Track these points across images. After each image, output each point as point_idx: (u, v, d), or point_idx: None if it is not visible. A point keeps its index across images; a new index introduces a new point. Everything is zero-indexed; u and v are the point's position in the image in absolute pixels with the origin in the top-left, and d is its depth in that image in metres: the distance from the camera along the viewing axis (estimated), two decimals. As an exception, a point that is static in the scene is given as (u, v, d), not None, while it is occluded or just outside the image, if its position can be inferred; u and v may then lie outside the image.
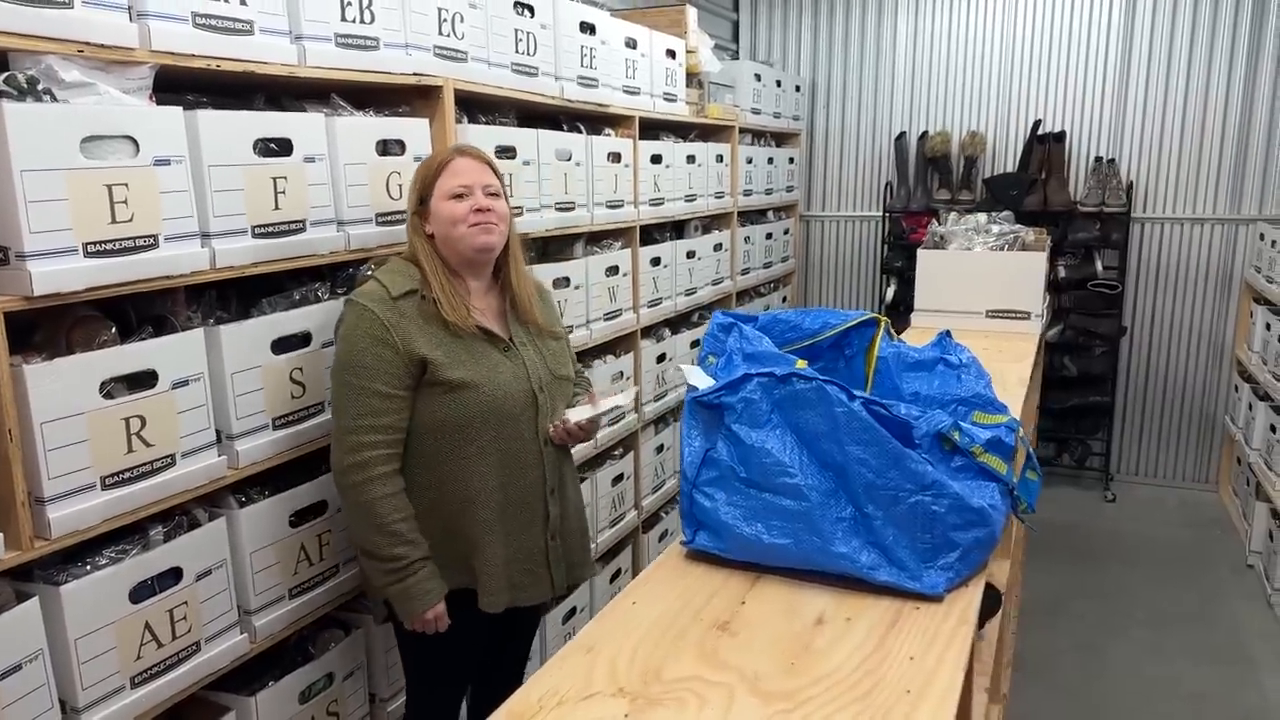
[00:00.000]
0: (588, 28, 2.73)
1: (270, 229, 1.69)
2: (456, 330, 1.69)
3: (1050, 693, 2.97)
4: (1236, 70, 4.31)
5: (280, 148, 1.71)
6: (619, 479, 3.11)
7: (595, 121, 2.97)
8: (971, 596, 1.14)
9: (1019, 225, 3.33)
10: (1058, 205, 4.46)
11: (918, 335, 3.06)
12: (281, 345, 1.74)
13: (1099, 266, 4.50)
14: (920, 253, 3.21)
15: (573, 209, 2.71)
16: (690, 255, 3.61)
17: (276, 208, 1.70)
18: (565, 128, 2.83)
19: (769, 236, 4.59)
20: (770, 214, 4.75)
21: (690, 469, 1.27)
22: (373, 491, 1.65)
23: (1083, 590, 3.67)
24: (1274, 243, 3.90)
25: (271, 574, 1.76)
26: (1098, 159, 4.54)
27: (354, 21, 1.85)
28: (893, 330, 1.65)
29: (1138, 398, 4.75)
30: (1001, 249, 3.16)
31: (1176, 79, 4.42)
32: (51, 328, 1.45)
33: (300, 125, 1.75)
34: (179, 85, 1.68)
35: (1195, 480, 4.71)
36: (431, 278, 1.70)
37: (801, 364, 1.29)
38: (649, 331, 3.34)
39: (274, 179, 1.69)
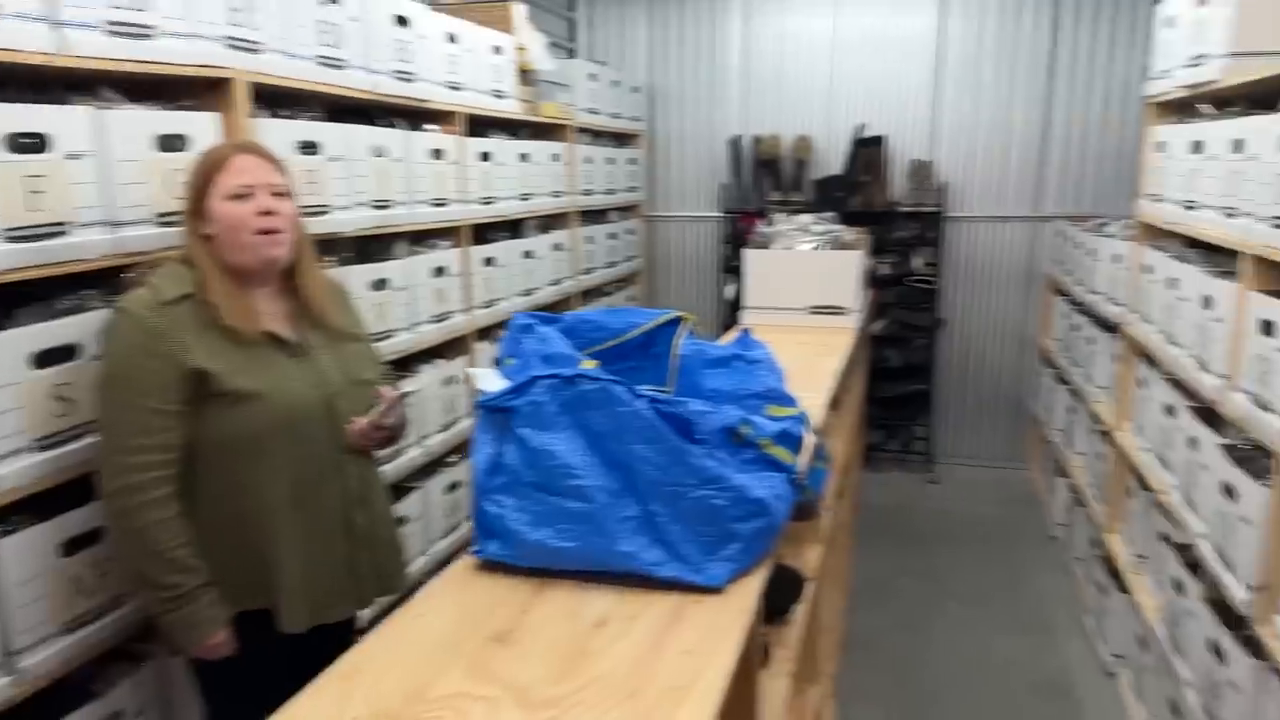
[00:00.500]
0: (402, 20, 2.65)
1: (26, 232, 1.54)
2: (239, 337, 1.59)
3: (876, 669, 3.11)
4: (1036, 78, 4.65)
5: (36, 143, 1.56)
6: (454, 487, 3.04)
7: (417, 117, 2.89)
8: (752, 586, 1.16)
9: (839, 225, 3.48)
10: (879, 205, 4.69)
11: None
12: (45, 359, 1.59)
13: (917, 263, 4.76)
14: (747, 252, 3.30)
15: (391, 207, 2.63)
16: (528, 255, 3.58)
17: (32, 209, 1.55)
18: (382, 124, 2.74)
19: (612, 236, 4.61)
20: (613, 214, 4.77)
21: (480, 476, 1.24)
22: (146, 517, 1.53)
23: (908, 569, 3.87)
24: (1069, 238, 4.23)
25: (40, 608, 1.60)
26: (915, 161, 4.79)
27: (127, 8, 1.71)
28: (695, 329, 1.67)
29: (955, 385, 5.05)
30: (821, 248, 3.28)
31: (984, 86, 4.72)
32: None
33: (60, 119, 1.60)
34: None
35: (1009, 460, 5.06)
36: (210, 281, 1.59)
37: (590, 364, 1.28)
38: (485, 333, 3.28)
39: (28, 177, 1.54)
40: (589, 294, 4.35)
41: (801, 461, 1.40)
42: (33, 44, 1.55)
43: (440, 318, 2.92)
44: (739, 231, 4.94)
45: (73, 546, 1.66)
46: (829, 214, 3.70)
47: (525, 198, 3.54)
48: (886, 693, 2.98)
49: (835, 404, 3.17)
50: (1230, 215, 2.14)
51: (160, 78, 1.83)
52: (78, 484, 1.67)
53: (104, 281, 1.78)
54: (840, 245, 3.32)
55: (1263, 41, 2.17)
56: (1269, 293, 1.91)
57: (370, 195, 2.52)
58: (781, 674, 1.55)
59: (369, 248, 2.75)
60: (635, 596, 1.13)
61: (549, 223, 3.92)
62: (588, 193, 4.23)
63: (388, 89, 2.59)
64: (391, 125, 2.74)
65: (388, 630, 1.07)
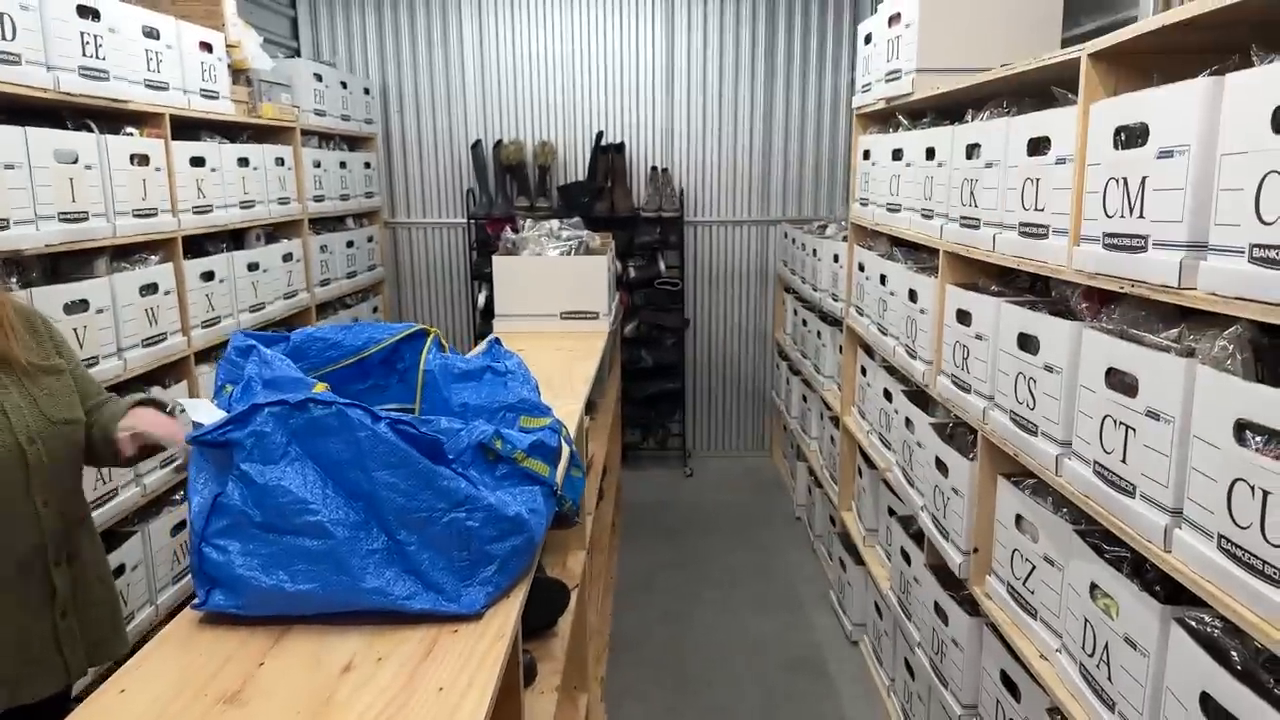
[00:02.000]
0: (89, 13, 2.35)
1: None
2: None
3: (642, 665, 3.17)
4: (757, 91, 4.97)
5: None
6: (180, 527, 2.75)
7: (114, 119, 2.57)
8: (511, 608, 1.12)
9: (586, 231, 3.52)
10: (623, 211, 4.81)
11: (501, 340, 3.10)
12: None
13: (662, 266, 4.94)
14: (495, 259, 3.25)
15: (86, 219, 2.32)
16: (253, 268, 3.31)
17: None
18: (72, 126, 2.41)
19: (350, 245, 4.38)
20: (350, 221, 4.54)
21: (198, 520, 1.11)
22: None
23: (668, 563, 3.99)
24: (794, 240, 4.56)
25: None
26: (654, 168, 4.97)
27: None
28: (444, 342, 1.60)
29: (704, 381, 5.30)
30: (569, 253, 3.31)
31: (711, 97, 4.98)
32: None
33: None
34: None
35: (755, 449, 5.38)
36: None
37: (321, 387, 1.18)
38: (205, 355, 2.99)
39: None
40: (327, 306, 4.12)
41: (558, 472, 1.39)
42: None
43: (152, 340, 2.63)
44: (487, 238, 4.88)
45: None
46: (575, 219, 3.74)
47: (247, 205, 3.27)
48: (653, 688, 3.05)
49: (592, 407, 3.21)
50: (927, 216, 2.39)
51: None
52: None
53: None
54: (588, 250, 3.36)
55: (944, 59, 2.45)
56: (963, 285, 2.15)
57: (59, 207, 2.21)
58: (549, 689, 1.53)
59: (59, 265, 2.42)
60: (385, 635, 1.06)
61: (277, 232, 3.66)
62: (319, 199, 3.99)
63: (73, 87, 2.28)
64: (88, 128, 2.42)
65: (93, 707, 0.92)
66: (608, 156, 4.88)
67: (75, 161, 2.29)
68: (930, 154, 2.36)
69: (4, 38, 2.05)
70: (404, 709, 0.91)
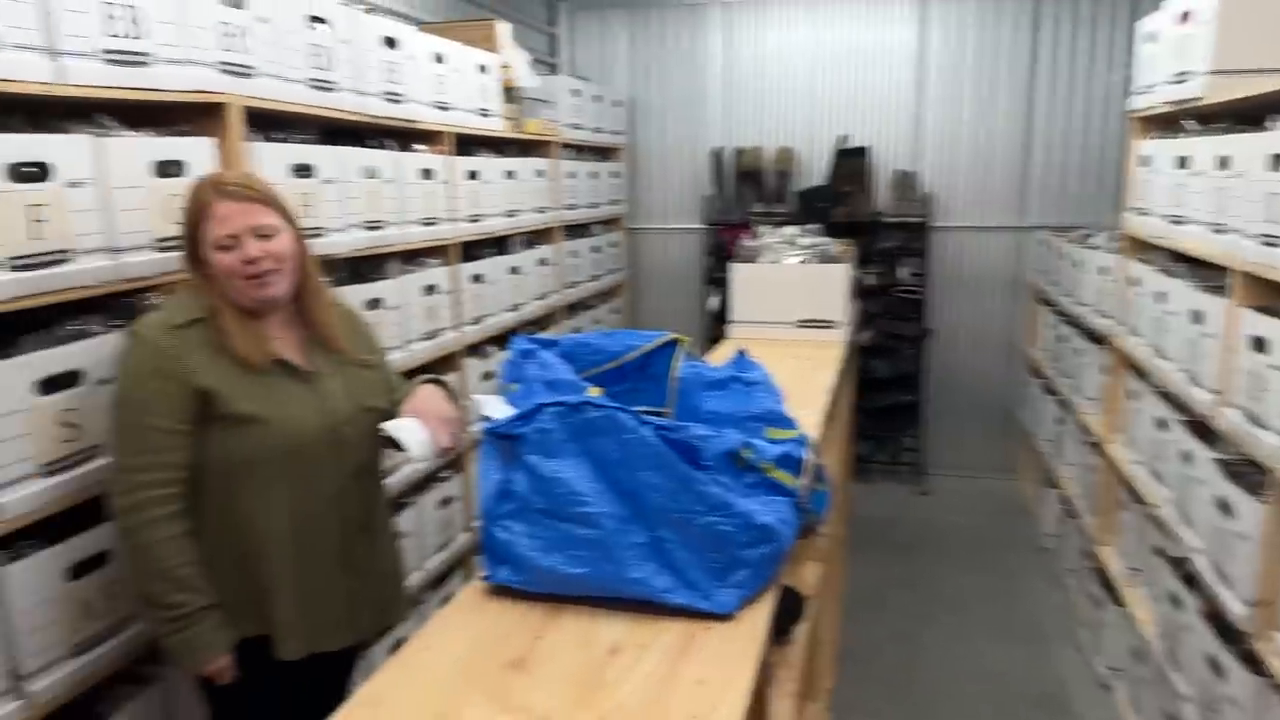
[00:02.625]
0: (391, 42, 2.66)
1: (29, 261, 1.54)
2: (249, 363, 1.59)
3: (871, 681, 3.13)
4: (1017, 90, 4.71)
5: (38, 172, 1.56)
6: (447, 502, 3.04)
7: (406, 137, 2.90)
8: (762, 611, 1.17)
9: (825, 238, 3.50)
10: (863, 216, 4.74)
11: (733, 347, 3.16)
12: (50, 386, 1.58)
13: (903, 274, 4.80)
14: (733, 266, 3.32)
15: (383, 228, 2.63)
16: (514, 271, 3.59)
17: (35, 237, 1.55)
18: (372, 144, 2.74)
19: (595, 250, 4.63)
20: (596, 227, 4.79)
21: (489, 502, 1.25)
22: (151, 534, 1.53)
23: (900, 581, 3.89)
24: (1054, 249, 4.29)
25: (49, 633, 1.59)
26: (898, 172, 4.84)
27: (123, 36, 1.72)
28: (693, 350, 1.68)
29: (944, 395, 5.09)
30: (809, 261, 3.31)
31: (966, 97, 4.78)
32: None
33: (61, 148, 1.60)
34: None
35: (998, 471, 5.10)
36: (222, 311, 1.60)
37: (595, 391, 1.29)
38: (474, 349, 3.28)
39: (30, 206, 1.54)
40: (573, 308, 4.37)
41: (803, 484, 1.42)
42: (32, 74, 1.55)
43: (431, 335, 2.92)
44: (721, 243, 4.98)
45: (81, 570, 1.65)
46: (813, 226, 3.73)
47: (511, 214, 3.55)
48: (882, 706, 3.00)
49: (827, 417, 3.20)
50: (1218, 231, 2.18)
51: (158, 104, 1.84)
52: (87, 507, 1.67)
53: (105, 307, 1.78)
54: (828, 258, 3.35)
55: (1243, 59, 2.22)
56: (1258, 309, 1.94)
57: (362, 216, 2.53)
58: (786, 694, 1.57)
59: (361, 268, 2.76)
60: (646, 624, 1.14)
61: (534, 238, 3.94)
62: (571, 207, 4.25)
63: (377, 110, 2.60)
64: (382, 146, 2.75)
65: (405, 657, 1.07)
66: (850, 161, 4.82)
67: (376, 177, 2.60)
68: (1224, 163, 2.15)
69: (324, 68, 2.37)
70: (667, 695, 0.98)
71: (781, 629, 1.77)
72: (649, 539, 1.19)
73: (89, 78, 1.65)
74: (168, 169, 1.84)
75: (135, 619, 1.77)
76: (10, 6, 1.50)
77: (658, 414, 1.63)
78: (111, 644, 1.72)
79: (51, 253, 1.58)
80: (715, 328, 4.76)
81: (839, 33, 4.88)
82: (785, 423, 1.50)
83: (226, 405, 1.56)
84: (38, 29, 1.56)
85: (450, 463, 3.08)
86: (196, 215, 1.60)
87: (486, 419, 1.30)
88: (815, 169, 5.00)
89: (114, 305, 1.81)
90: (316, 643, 1.70)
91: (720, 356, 2.88)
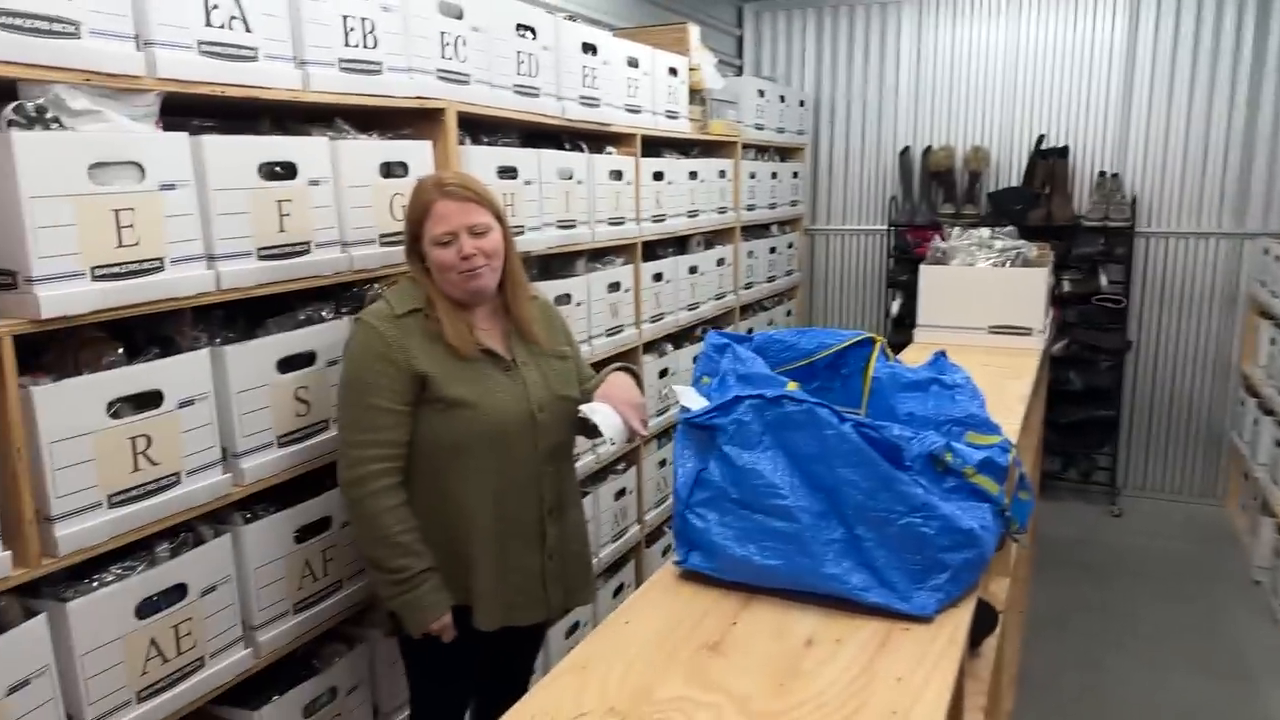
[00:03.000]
0: (589, 48, 2.77)
1: (275, 251, 1.72)
2: (458, 352, 1.71)
3: (1052, 708, 2.97)
4: (1240, 84, 4.32)
5: (285, 171, 1.74)
6: (621, 494, 3.13)
7: (597, 140, 3.00)
8: (961, 617, 1.15)
9: (1022, 241, 3.35)
10: (1061, 220, 4.48)
11: (920, 350, 3.08)
12: (287, 365, 1.77)
13: (1103, 281, 4.51)
14: (923, 268, 3.23)
15: (574, 226, 2.74)
16: (693, 270, 3.64)
17: (281, 230, 1.73)
18: (567, 146, 2.86)
19: (773, 251, 4.61)
20: (774, 228, 4.77)
21: (683, 489, 1.29)
22: (375, 504, 1.68)
23: (1086, 605, 3.66)
24: (1278, 257, 3.90)
25: (276, 589, 1.78)
26: (1101, 173, 4.55)
27: (357, 47, 1.88)
28: (889, 350, 1.66)
29: (1144, 412, 4.74)
30: (1004, 265, 3.18)
31: (1180, 93, 4.43)
32: (60, 349, 1.48)
33: (304, 149, 1.78)
34: (187, 109, 1.71)
35: (1202, 495, 4.70)
36: (437, 302, 1.73)
37: (793, 386, 1.31)
38: (651, 346, 3.36)
39: (279, 202, 1.72)
40: (747, 308, 4.37)
41: (1006, 492, 1.38)
42: (283, 82, 1.72)
43: (613, 331, 3.02)
44: (906, 246, 4.84)
45: (305, 533, 1.83)
46: (1009, 228, 3.57)
47: (693, 214, 3.60)
48: (1066, 733, 2.85)
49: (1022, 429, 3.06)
50: None
51: (386, 109, 2.00)
52: (314, 476, 1.85)
53: (333, 295, 1.96)
54: (1025, 262, 3.20)
55: None
56: None
57: (557, 216, 2.64)
58: (975, 708, 1.52)
59: (550, 264, 2.88)
60: (840, 619, 1.15)
61: (713, 238, 3.97)
62: (750, 208, 4.25)
63: (575, 114, 2.71)
64: (576, 147, 2.86)
65: (608, 629, 1.13)
66: (1048, 161, 4.57)
67: (571, 178, 2.71)
68: None
69: (530, 75, 2.49)
70: (865, 690, 0.99)
71: (973, 640, 1.73)
72: (845, 536, 1.19)
73: (328, 85, 1.82)
74: (392, 169, 2.00)
75: (345, 583, 1.94)
76: (267, 21, 1.68)
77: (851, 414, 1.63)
78: (327, 604, 1.90)
79: (294, 244, 1.76)
80: (896, 332, 4.64)
81: (1040, 26, 4.63)
82: (988, 428, 1.46)
83: (440, 389, 1.69)
84: (288, 40, 1.73)
85: (626, 455, 3.17)
86: (420, 213, 1.73)
87: (684, 409, 1.34)
88: (1009, 169, 4.78)
89: (342, 294, 1.99)
90: (511, 616, 1.81)
91: (909, 360, 2.82)
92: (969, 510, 1.26)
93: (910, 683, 1.00)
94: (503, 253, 1.79)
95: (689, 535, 1.28)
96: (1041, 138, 4.61)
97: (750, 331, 4.42)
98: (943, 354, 1.67)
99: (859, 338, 1.65)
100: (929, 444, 1.30)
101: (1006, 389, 2.41)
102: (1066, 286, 4.50)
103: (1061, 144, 4.62)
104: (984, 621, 1.69)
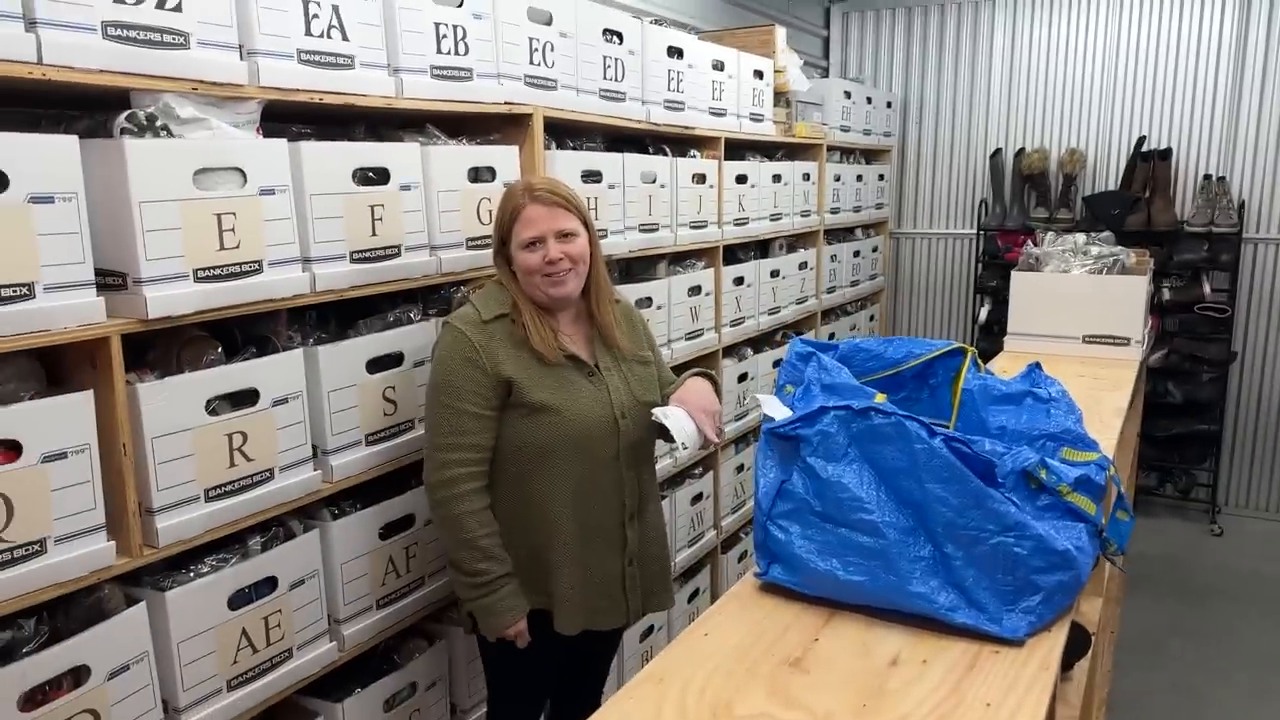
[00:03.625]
0: (675, 52, 2.76)
1: (368, 254, 1.76)
2: (543, 357, 1.73)
3: (1147, 736, 2.84)
4: (1363, 82, 4.07)
5: (378, 176, 1.78)
6: (698, 498, 3.11)
7: (681, 143, 2.99)
8: (1054, 641, 1.11)
9: (1119, 247, 3.21)
10: (1163, 225, 4.28)
11: (1010, 359, 2.98)
12: (376, 365, 1.81)
13: (1207, 289, 4.30)
14: (1014, 274, 3.13)
15: (656, 230, 2.74)
16: (774, 274, 3.60)
17: (374, 234, 1.77)
18: (651, 150, 2.86)
19: (856, 254, 4.53)
20: (859, 231, 4.69)
21: (765, 500, 1.27)
22: (458, 507, 1.70)
23: (1183, 629, 3.50)
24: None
25: (361, 584, 1.82)
26: (1206, 177, 4.34)
27: (449, 54, 1.92)
28: (980, 361, 1.61)
29: (1248, 427, 4.50)
30: (1100, 272, 3.05)
31: (1295, 92, 4.20)
32: (164, 347, 1.55)
33: (396, 155, 1.82)
34: (285, 116, 1.77)
35: (1313, 516, 4.45)
36: (521, 308, 1.75)
37: (881, 398, 1.28)
38: (731, 351, 3.34)
39: (372, 206, 1.76)
40: (830, 313, 4.30)
41: (1103, 512, 1.32)
42: (378, 90, 1.76)
43: (693, 335, 3.00)
44: (995, 250, 4.70)
45: (389, 531, 1.88)
46: (1104, 234, 3.43)
47: (775, 218, 3.56)
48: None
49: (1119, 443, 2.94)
50: None
51: (475, 115, 2.03)
52: (400, 474, 1.89)
53: (422, 297, 2.00)
54: (1123, 269, 3.07)
55: None
56: None
57: (639, 219, 2.64)
58: (1065, 733, 1.47)
59: (632, 267, 2.89)
60: (927, 639, 1.11)
61: (795, 242, 3.92)
62: (835, 211, 4.19)
63: (658, 118, 2.71)
64: (663, 151, 2.86)
65: (687, 640, 1.12)
66: (1148, 164, 4.38)
67: (654, 181, 2.71)
68: None
69: (616, 79, 2.50)
70: (953, 713, 0.95)
71: (1064, 663, 1.66)
72: (933, 553, 1.16)
73: (420, 92, 1.85)
74: (480, 174, 2.03)
75: (427, 580, 1.97)
76: (364, 30, 1.72)
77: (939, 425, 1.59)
78: (409, 600, 1.93)
79: (386, 247, 1.80)
80: (984, 339, 4.51)
81: (1142, 20, 4.44)
82: (1085, 444, 1.40)
83: (525, 394, 1.71)
84: (383, 49, 1.77)
85: (704, 460, 3.15)
86: (509, 216, 1.75)
87: (767, 418, 1.32)
88: (1106, 173, 4.60)
89: (430, 296, 2.03)
90: (592, 621, 1.81)
91: (999, 369, 2.73)
92: (1064, 530, 1.21)
93: (1001, 709, 0.96)
94: (588, 258, 1.80)
95: (770, 547, 1.26)
96: (1142, 139, 4.42)
97: (832, 337, 4.36)
98: (1037, 365, 1.61)
99: (949, 347, 1.60)
100: (1022, 460, 1.25)
101: (1102, 401, 2.32)
102: (1167, 294, 4.31)
103: (1164, 146, 4.41)
104: (1076, 644, 1.63)
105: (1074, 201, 4.56)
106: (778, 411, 1.34)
